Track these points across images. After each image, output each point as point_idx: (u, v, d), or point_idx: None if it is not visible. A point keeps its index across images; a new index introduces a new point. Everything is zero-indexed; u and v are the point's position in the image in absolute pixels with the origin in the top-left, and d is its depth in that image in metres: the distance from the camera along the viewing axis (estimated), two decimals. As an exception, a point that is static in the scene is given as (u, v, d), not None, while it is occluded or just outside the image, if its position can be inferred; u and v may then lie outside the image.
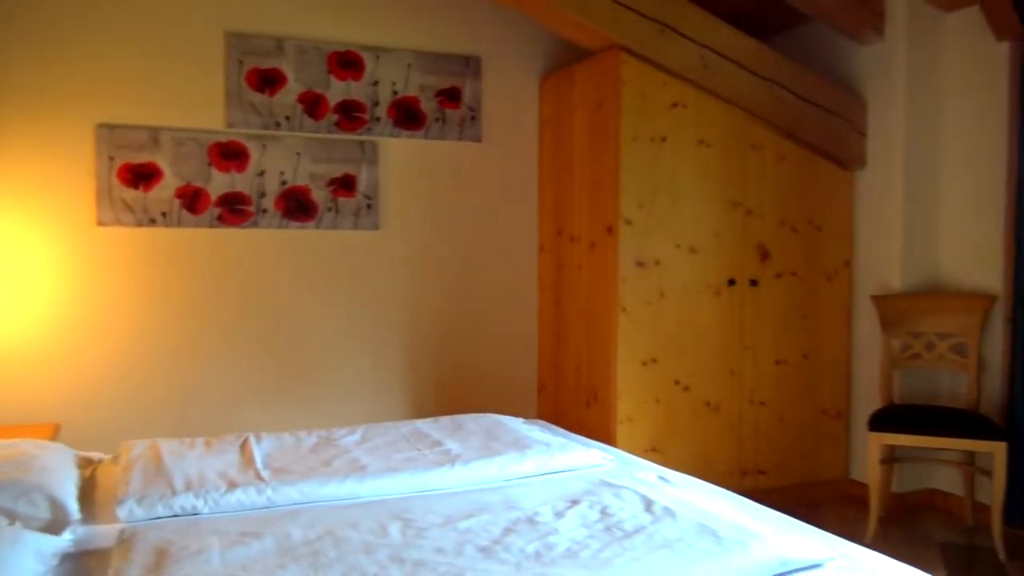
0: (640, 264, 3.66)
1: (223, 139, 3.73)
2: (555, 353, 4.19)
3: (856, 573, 1.65)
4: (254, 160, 3.79)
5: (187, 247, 3.70)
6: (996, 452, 3.22)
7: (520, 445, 2.53)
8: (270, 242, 3.84)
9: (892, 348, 3.73)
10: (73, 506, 2.02)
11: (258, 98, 3.79)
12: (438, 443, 2.60)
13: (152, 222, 3.64)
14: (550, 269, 4.24)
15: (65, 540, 1.85)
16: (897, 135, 3.83)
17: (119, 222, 3.58)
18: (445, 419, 2.96)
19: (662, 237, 3.69)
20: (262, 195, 3.81)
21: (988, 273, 3.66)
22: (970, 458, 3.63)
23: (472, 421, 2.90)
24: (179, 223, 3.68)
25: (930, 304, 3.70)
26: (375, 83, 3.99)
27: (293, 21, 3.85)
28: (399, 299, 4.08)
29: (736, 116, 3.80)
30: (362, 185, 3.97)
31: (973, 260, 3.74)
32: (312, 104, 3.88)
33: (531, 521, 1.91)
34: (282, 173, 3.84)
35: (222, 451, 2.50)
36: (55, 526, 1.91)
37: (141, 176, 3.61)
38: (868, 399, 3.94)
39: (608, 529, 1.84)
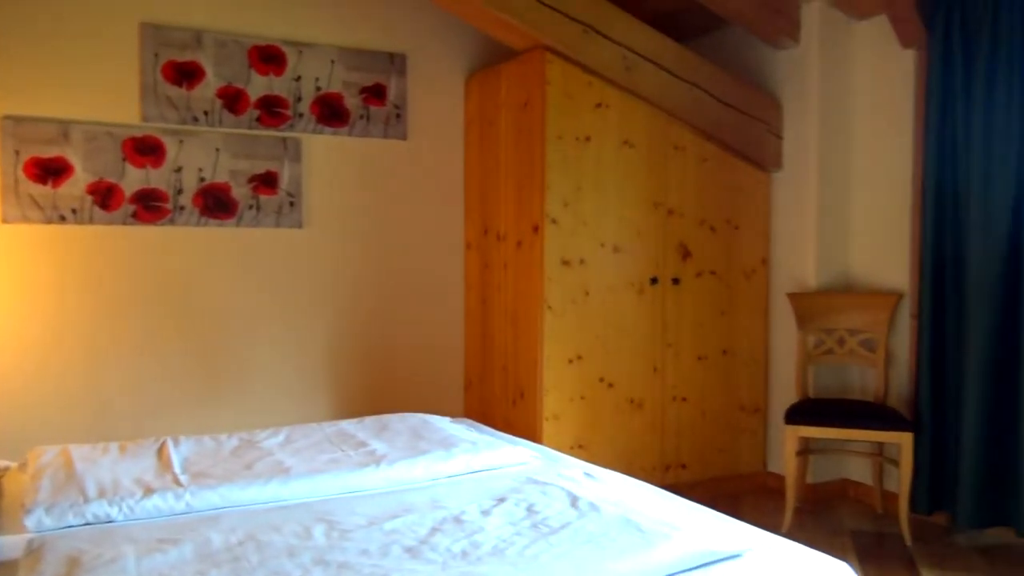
0: (565, 263, 3.69)
1: (138, 133, 3.61)
2: (482, 351, 4.20)
3: (773, 562, 1.71)
4: (171, 156, 3.67)
5: (100, 245, 3.57)
6: (903, 443, 3.37)
7: (446, 444, 2.53)
8: (188, 240, 3.74)
9: (807, 344, 3.87)
10: (-24, 517, 1.93)
11: (175, 92, 3.68)
12: (363, 444, 2.57)
13: (62, 219, 3.49)
14: (476, 268, 4.24)
15: (-32, 553, 1.76)
16: (811, 138, 3.96)
17: (26, 219, 3.43)
18: (370, 419, 2.93)
19: (587, 236, 3.74)
20: (179, 192, 3.70)
21: (896, 272, 3.83)
22: (879, 449, 3.80)
23: (398, 421, 2.89)
24: (91, 220, 3.54)
25: (842, 301, 3.85)
26: (298, 78, 3.92)
27: (212, 13, 3.75)
28: (323, 298, 4.02)
29: (658, 117, 3.87)
30: (284, 182, 3.90)
31: (882, 259, 3.90)
32: (232, 99, 3.78)
33: (457, 520, 1.91)
34: (200, 169, 3.73)
35: (138, 456, 2.42)
36: (-43, 538, 1.83)
37: (50, 171, 3.47)
38: (784, 393, 4.08)
39: (534, 526, 1.86)
